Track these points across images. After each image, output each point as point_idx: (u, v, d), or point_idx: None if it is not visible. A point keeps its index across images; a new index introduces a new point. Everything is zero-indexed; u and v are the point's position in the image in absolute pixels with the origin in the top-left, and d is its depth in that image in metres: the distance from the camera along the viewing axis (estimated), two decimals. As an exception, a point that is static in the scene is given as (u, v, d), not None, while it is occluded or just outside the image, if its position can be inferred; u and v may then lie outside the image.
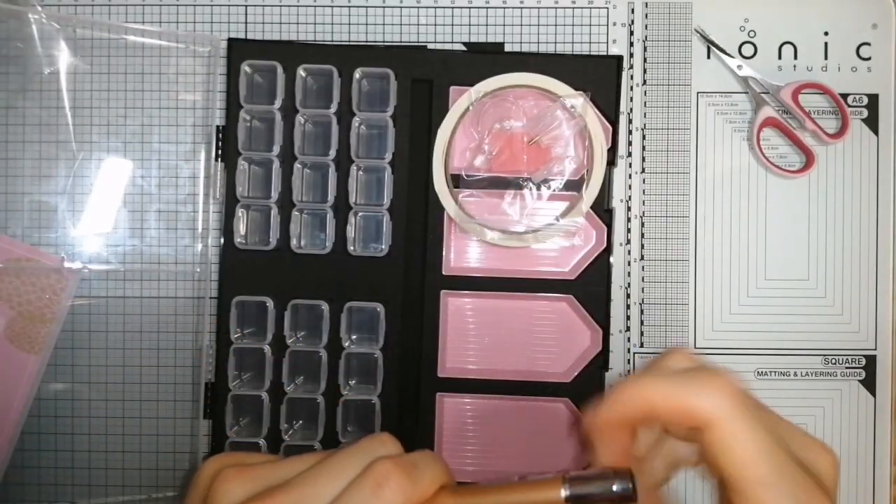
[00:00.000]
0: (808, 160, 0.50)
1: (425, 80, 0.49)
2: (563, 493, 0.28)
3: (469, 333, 0.50)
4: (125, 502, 0.50)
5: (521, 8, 0.51)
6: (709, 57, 0.51)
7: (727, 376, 0.28)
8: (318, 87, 0.50)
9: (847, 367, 0.50)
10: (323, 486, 0.28)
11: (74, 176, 0.51)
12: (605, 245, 0.49)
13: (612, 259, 0.49)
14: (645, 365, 0.31)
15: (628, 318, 0.50)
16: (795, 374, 0.50)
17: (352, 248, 0.48)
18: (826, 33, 0.51)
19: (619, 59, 0.49)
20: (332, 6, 0.51)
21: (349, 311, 0.49)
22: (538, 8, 0.51)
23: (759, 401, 0.29)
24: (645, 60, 0.51)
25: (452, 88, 0.49)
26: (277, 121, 0.48)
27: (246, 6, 0.51)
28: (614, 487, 0.28)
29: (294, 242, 0.48)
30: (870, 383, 0.50)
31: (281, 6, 0.51)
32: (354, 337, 0.50)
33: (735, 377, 0.28)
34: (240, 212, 0.49)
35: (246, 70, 0.49)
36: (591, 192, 0.48)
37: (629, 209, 0.50)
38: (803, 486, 0.27)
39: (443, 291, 0.49)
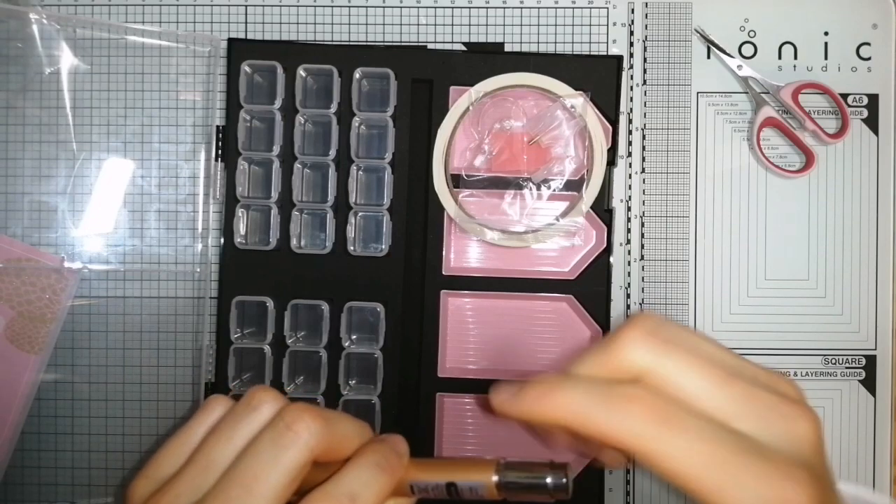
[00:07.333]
0: (808, 160, 0.50)
1: (425, 80, 0.49)
2: (494, 478, 0.28)
3: (469, 333, 0.49)
4: (125, 502, 0.50)
5: (521, 8, 0.51)
6: (709, 57, 0.51)
7: (642, 391, 0.25)
8: (318, 87, 0.50)
9: (847, 367, 0.50)
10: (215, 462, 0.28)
11: (74, 176, 0.51)
12: (605, 245, 0.49)
13: (612, 259, 0.49)
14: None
15: (628, 318, 0.50)
16: (795, 374, 0.50)
17: (352, 248, 0.48)
18: (826, 33, 0.51)
19: (619, 59, 0.49)
20: (332, 6, 0.51)
21: (349, 311, 0.49)
22: (538, 8, 0.51)
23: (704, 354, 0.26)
24: (645, 60, 0.51)
25: (452, 88, 0.49)
26: (277, 121, 0.48)
27: (246, 6, 0.51)
28: (548, 480, 0.27)
29: (294, 242, 0.48)
30: (870, 383, 0.50)
31: (281, 6, 0.51)
32: (354, 337, 0.49)
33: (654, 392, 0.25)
34: (240, 212, 0.49)
35: (246, 70, 0.49)
36: (591, 192, 0.48)
37: (629, 209, 0.50)
38: (767, 479, 0.24)
39: (443, 291, 0.49)
